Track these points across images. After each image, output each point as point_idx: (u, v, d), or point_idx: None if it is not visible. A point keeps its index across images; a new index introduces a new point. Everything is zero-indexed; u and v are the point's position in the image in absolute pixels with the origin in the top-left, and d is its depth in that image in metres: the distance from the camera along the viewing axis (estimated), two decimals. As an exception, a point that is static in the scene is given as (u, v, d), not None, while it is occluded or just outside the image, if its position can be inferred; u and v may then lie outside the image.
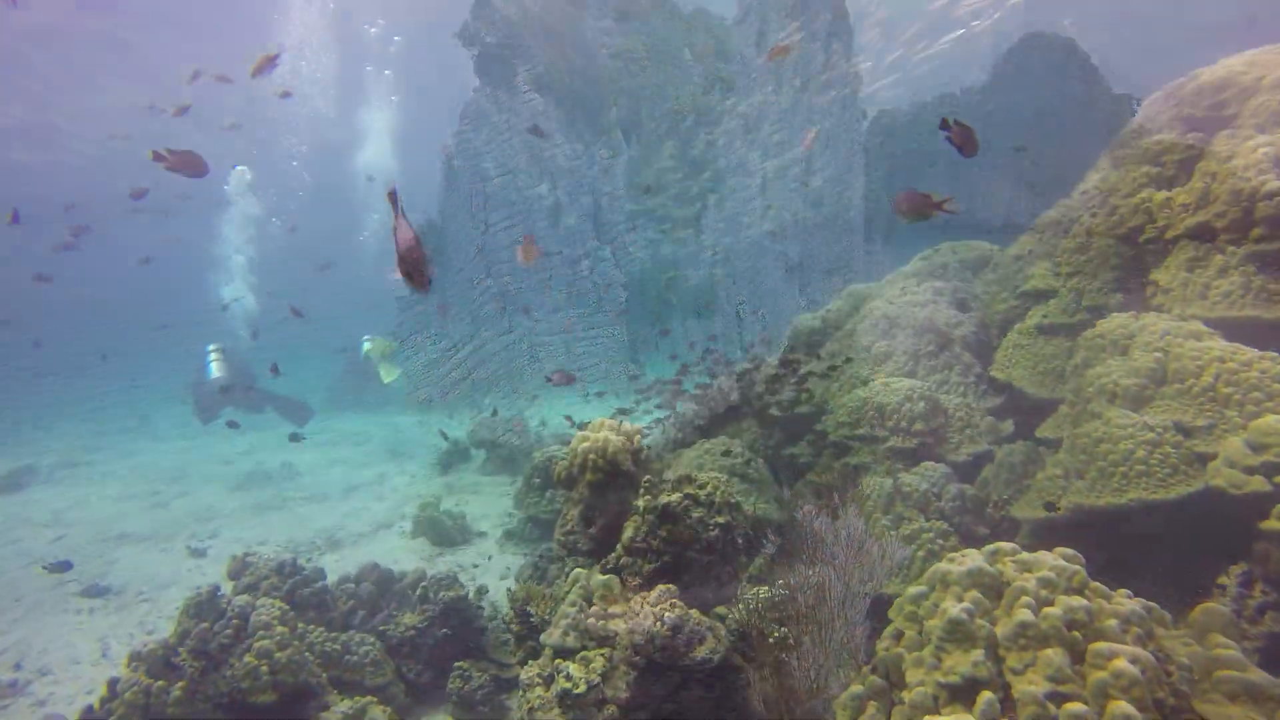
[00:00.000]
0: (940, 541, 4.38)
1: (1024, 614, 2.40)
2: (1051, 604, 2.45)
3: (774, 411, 6.26)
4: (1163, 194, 5.08)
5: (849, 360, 6.13)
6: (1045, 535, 4.25)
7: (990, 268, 7.14)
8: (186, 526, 7.72)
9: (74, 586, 5.76)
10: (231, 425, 8.42)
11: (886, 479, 4.93)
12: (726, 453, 5.49)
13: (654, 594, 3.22)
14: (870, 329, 6.75)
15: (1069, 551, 2.75)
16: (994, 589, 2.69)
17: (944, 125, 2.67)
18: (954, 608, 2.55)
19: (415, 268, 1.83)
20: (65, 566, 5.77)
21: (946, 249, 7.97)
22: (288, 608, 3.60)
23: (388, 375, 12.52)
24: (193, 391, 9.45)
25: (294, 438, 7.77)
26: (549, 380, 4.71)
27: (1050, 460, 4.50)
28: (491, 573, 6.59)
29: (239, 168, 15.35)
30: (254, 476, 10.01)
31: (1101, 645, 2.24)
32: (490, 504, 8.65)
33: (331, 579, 5.26)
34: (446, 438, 10.79)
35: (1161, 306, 4.71)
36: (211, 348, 9.38)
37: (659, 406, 7.02)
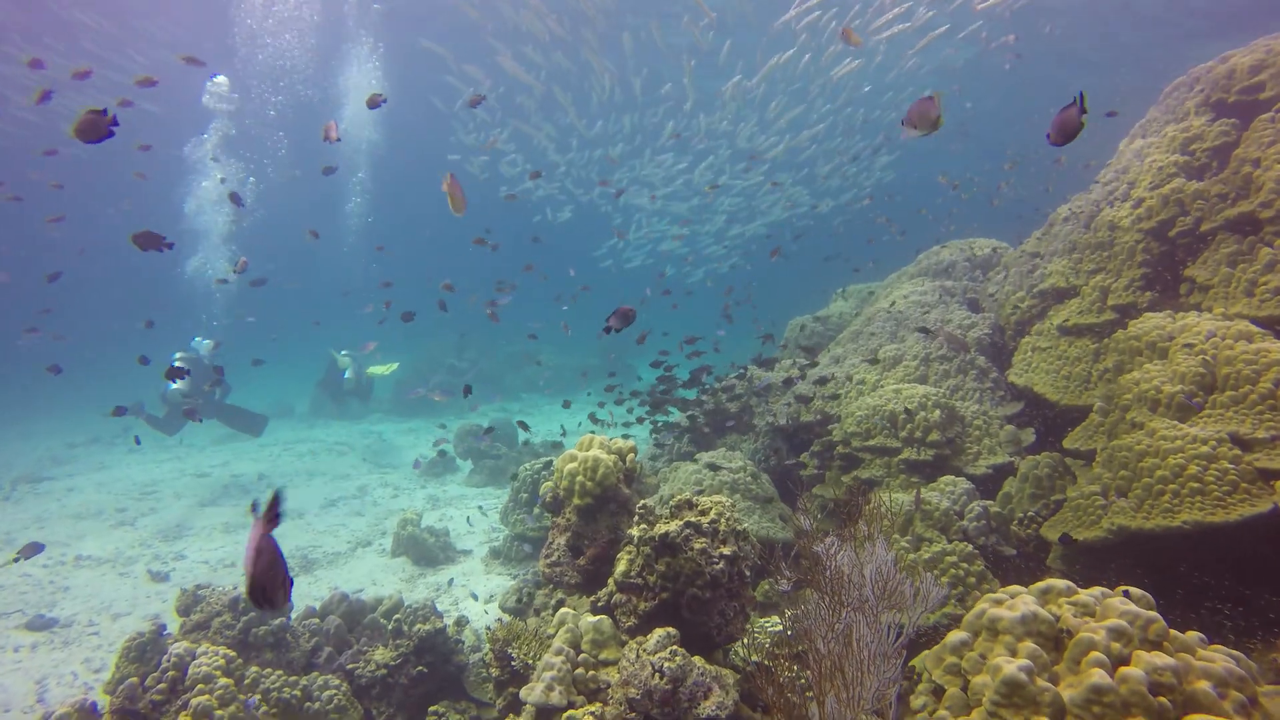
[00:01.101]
0: (965, 566, 3.99)
1: (1097, 675, 2.00)
2: (1128, 661, 2.05)
3: (778, 420, 5.86)
4: (1195, 184, 4.72)
5: (877, 362, 5.72)
6: (1082, 559, 3.86)
7: (1001, 266, 6.77)
8: (151, 547, 7.24)
9: (16, 619, 5.28)
10: (137, 441, 7.85)
11: (903, 495, 4.54)
12: (720, 467, 5.08)
13: (652, 639, 2.80)
14: (877, 331, 6.37)
15: (1137, 592, 2.35)
16: (1051, 638, 2.29)
17: (1081, 104, 2.49)
18: (1009, 664, 2.15)
19: (269, 590, 1.49)
20: (38, 549, 5.30)
21: (954, 246, 7.61)
22: (234, 654, 3.16)
23: (363, 397, 11.93)
24: (139, 407, 8.93)
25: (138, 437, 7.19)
26: (607, 327, 3.82)
27: (1084, 475, 4.12)
28: (476, 596, 6.15)
29: (218, 78, 13.90)
30: (228, 490, 9.53)
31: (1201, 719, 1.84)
32: (477, 519, 8.21)
33: (301, 606, 4.83)
34: (445, 455, 10.29)
35: (1200, 305, 4.34)
36: (178, 355, 8.86)
37: (640, 420, 6.57)
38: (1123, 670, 1.99)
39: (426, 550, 6.97)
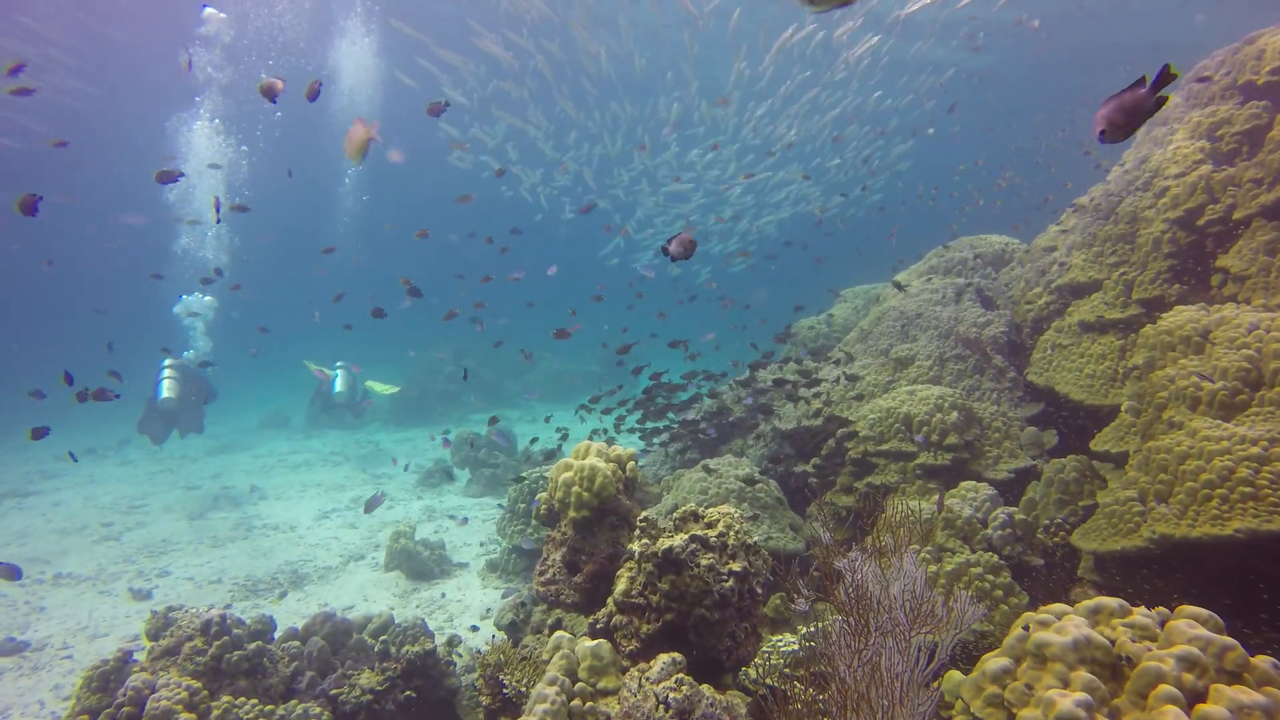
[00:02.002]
0: (991, 578, 3.71)
1: (1171, 714, 1.73)
2: (1205, 697, 1.78)
3: (785, 425, 5.59)
4: (1225, 170, 4.46)
5: (905, 363, 5.46)
6: (1117, 570, 3.59)
7: (1016, 262, 6.52)
8: (135, 563, 6.97)
9: (-14, 642, 5.02)
10: (71, 456, 7.26)
11: (921, 502, 4.27)
12: (726, 475, 4.81)
13: (655, 667, 2.54)
14: (887, 330, 6.11)
15: (1202, 612, 2.08)
16: (1108, 666, 2.02)
17: (1160, 80, 2.12)
18: (1063, 698, 1.88)
19: None
20: (14, 573, 4.97)
21: (963, 243, 7.36)
22: (199, 685, 2.89)
23: (356, 412, 11.58)
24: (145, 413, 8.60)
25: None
26: (665, 250, 3.15)
27: (1118, 480, 3.85)
28: (471, 612, 5.88)
29: (208, 9, 13.19)
30: (219, 502, 9.26)
31: (1301, 767, 1.57)
32: (473, 530, 7.95)
33: (286, 626, 4.56)
34: (453, 478, 9.95)
35: (1236, 296, 4.08)
36: (167, 363, 8.62)
37: (628, 429, 6.30)
38: (1202, 708, 1.72)
39: (421, 564, 6.70)
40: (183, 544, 7.58)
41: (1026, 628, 2.21)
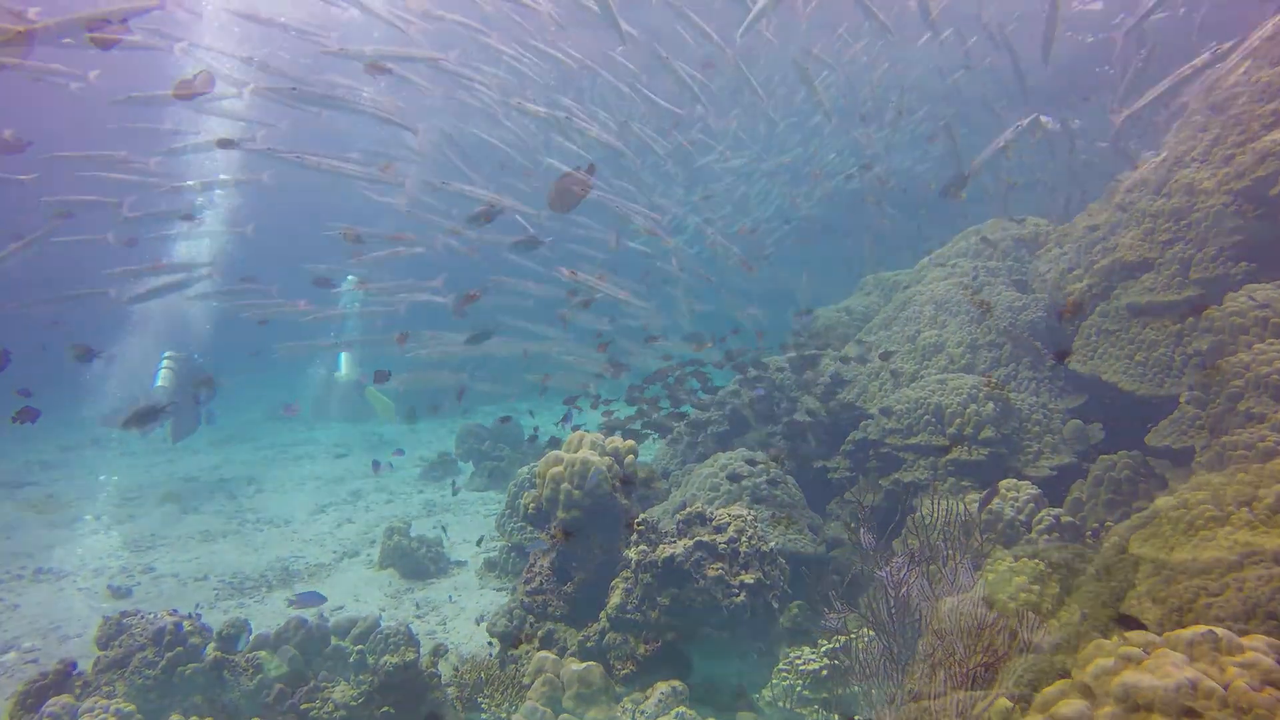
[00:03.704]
0: (1037, 589, 3.28)
1: (1326, 791, 1.31)
2: (1367, 768, 1.36)
3: (800, 417, 5.18)
4: (1301, 132, 3.98)
5: (937, 356, 5.04)
6: (1184, 584, 3.15)
7: (1052, 243, 6.04)
8: (120, 558, 6.69)
9: (-51, 643, 4.73)
10: None
11: (955, 502, 3.85)
12: (739, 475, 4.41)
13: (652, 698, 2.14)
14: (914, 317, 5.67)
15: (1336, 648, 1.66)
16: (1219, 717, 1.61)
17: None
18: (1169, 761, 1.46)
19: None
20: None
21: (995, 224, 6.89)
22: (132, 709, 2.54)
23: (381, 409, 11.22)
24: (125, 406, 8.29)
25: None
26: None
27: (1180, 480, 3.40)
28: (466, 614, 5.52)
29: None
30: (215, 495, 8.99)
31: None
32: (474, 526, 7.60)
33: (273, 627, 4.23)
34: (456, 491, 9.53)
35: (1319, 273, 3.62)
36: (167, 355, 8.34)
37: (631, 419, 5.93)
38: (1369, 786, 1.30)
39: (416, 562, 6.36)
40: (172, 539, 7.29)
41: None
